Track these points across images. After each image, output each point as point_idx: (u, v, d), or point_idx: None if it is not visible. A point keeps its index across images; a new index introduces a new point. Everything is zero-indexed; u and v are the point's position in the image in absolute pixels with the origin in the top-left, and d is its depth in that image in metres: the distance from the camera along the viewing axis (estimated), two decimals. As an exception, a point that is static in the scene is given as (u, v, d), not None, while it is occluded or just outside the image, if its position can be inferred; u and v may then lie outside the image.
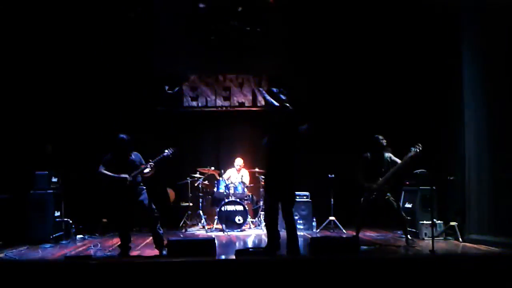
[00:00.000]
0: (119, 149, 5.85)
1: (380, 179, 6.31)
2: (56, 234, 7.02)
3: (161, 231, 5.90)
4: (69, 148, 8.33)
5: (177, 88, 9.42)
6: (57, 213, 7.19)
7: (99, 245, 6.50)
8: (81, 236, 7.46)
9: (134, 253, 6.03)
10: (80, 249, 6.50)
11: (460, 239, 6.72)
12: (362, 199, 6.45)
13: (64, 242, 7.05)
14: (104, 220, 7.82)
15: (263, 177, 8.21)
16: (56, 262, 5.35)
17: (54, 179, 7.32)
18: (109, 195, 5.85)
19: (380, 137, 6.48)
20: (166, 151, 6.12)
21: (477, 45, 6.87)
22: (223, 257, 5.76)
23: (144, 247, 6.50)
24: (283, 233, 5.55)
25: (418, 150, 6.21)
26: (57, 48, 8.35)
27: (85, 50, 8.58)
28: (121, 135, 5.84)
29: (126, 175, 5.77)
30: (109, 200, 5.93)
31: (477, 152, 6.78)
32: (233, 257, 5.52)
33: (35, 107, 8.15)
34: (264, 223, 5.61)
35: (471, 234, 6.65)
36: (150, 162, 5.91)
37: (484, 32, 6.69)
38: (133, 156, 5.91)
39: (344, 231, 7.70)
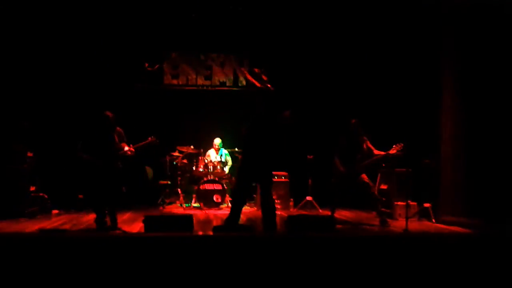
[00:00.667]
0: (104, 125, 5.81)
1: (356, 164, 6.41)
2: (32, 209, 6.94)
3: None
4: (46, 123, 8.20)
5: (157, 66, 9.31)
6: (33, 188, 7.09)
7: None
8: (57, 211, 7.39)
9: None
10: (56, 224, 6.45)
11: (434, 220, 6.88)
12: (335, 180, 6.55)
13: (39, 217, 6.98)
14: (80, 196, 7.75)
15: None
16: (30, 235, 5.29)
17: (30, 154, 7.20)
18: (88, 171, 5.81)
19: (357, 121, 6.55)
20: (150, 138, 6.14)
21: (456, 36, 6.96)
22: (200, 233, 5.78)
23: (121, 224, 6.46)
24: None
25: (400, 150, 6.27)
26: (33, 23, 8.12)
27: (62, 26, 8.36)
28: (106, 112, 5.82)
29: (128, 148, 5.89)
30: (87, 176, 5.89)
31: (453, 135, 6.92)
32: (211, 233, 5.54)
33: (12, 82, 7.97)
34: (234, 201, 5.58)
35: (445, 216, 6.82)
36: (131, 146, 5.97)
37: (463, 25, 6.81)
38: (116, 132, 5.93)
39: (320, 211, 7.80)
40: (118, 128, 5.94)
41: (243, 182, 5.47)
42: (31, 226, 6.14)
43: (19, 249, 4.32)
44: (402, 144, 6.25)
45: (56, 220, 6.75)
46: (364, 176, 6.48)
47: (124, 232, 5.73)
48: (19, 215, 6.69)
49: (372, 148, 6.51)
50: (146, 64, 9.23)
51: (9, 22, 7.82)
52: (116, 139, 5.89)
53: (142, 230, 5.34)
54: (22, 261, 4.16)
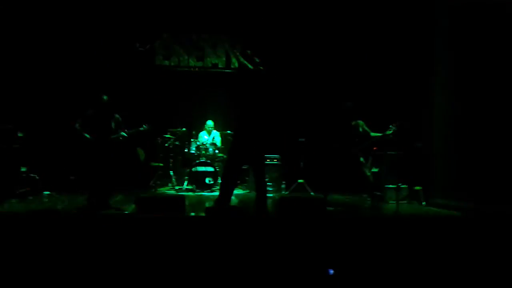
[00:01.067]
0: (103, 108, 5.96)
1: (353, 146, 6.44)
2: (22, 190, 6.90)
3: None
4: (37, 103, 8.12)
5: (148, 46, 9.20)
6: (23, 169, 7.05)
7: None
8: (48, 192, 7.36)
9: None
10: (47, 205, 6.42)
11: (424, 203, 6.95)
12: (329, 161, 6.57)
13: (30, 198, 6.95)
14: (72, 177, 7.71)
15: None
16: (22, 216, 5.27)
17: (20, 134, 7.13)
18: (83, 149, 5.88)
19: (350, 104, 6.54)
20: (144, 127, 6.22)
21: (450, 33, 6.98)
22: (192, 214, 5.80)
23: (114, 205, 6.46)
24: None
25: (395, 130, 6.28)
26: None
27: (53, 7, 8.21)
28: (106, 96, 5.99)
29: (123, 133, 6.01)
30: (82, 155, 5.94)
31: (444, 119, 6.97)
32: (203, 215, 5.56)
33: (2, 62, 7.87)
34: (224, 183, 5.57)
35: (435, 199, 6.90)
36: (125, 131, 6.07)
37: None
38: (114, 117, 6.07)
39: (312, 193, 7.83)
40: (116, 115, 6.08)
41: (234, 164, 5.46)
42: (22, 207, 6.11)
43: (9, 229, 4.32)
44: (398, 123, 6.25)
45: (48, 201, 6.72)
46: (359, 158, 6.51)
47: (117, 210, 5.76)
48: (10, 196, 6.66)
49: (369, 130, 6.52)
50: (137, 44, 9.10)
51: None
52: (113, 126, 6.00)
53: (135, 212, 5.37)
54: (13, 241, 4.17)
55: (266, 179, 7.81)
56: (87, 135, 5.86)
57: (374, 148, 7.62)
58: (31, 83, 8.21)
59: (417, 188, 7.11)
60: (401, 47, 8.02)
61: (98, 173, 5.93)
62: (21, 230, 4.22)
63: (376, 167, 7.65)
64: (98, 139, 5.89)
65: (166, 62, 9.36)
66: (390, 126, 6.28)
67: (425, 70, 7.38)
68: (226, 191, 5.43)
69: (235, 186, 5.58)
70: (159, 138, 8.43)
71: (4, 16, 7.86)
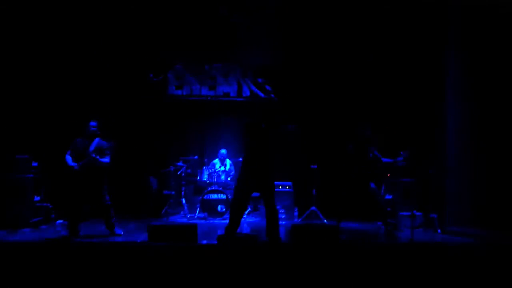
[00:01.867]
0: (87, 134, 6.13)
1: (364, 171, 6.42)
2: (36, 219, 6.94)
3: (113, 219, 6.18)
4: (51, 133, 8.23)
5: (161, 76, 9.35)
6: (37, 198, 7.11)
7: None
8: (61, 221, 7.39)
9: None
10: (60, 233, 6.44)
11: (439, 230, 6.83)
12: (342, 189, 6.54)
13: (44, 227, 6.98)
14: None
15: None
16: (36, 244, 5.30)
17: (35, 164, 7.22)
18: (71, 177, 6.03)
19: (364, 125, 6.56)
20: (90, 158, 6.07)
21: (462, 43, 6.99)
22: (204, 242, 5.77)
23: (126, 233, 6.47)
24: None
25: (406, 157, 6.29)
26: (38, 30, 8.21)
27: (66, 34, 8.43)
28: (92, 122, 6.16)
29: (74, 164, 5.99)
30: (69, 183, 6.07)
31: (457, 146, 6.91)
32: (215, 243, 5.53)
33: (16, 91, 8.04)
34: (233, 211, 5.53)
35: (450, 226, 6.78)
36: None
37: (468, 33, 6.84)
38: (95, 143, 6.10)
39: (325, 221, 7.75)
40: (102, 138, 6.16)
41: (243, 192, 5.44)
42: (35, 236, 6.14)
43: (24, 258, 4.34)
44: (408, 151, 6.26)
45: (60, 230, 6.75)
46: (371, 184, 6.47)
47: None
48: (23, 225, 6.69)
49: (379, 156, 6.51)
50: (151, 75, 9.26)
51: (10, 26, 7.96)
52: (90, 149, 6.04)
53: (147, 240, 5.36)
54: (27, 269, 4.18)
55: (278, 207, 7.86)
56: (70, 163, 5.97)
57: (388, 175, 7.59)
58: (46, 114, 8.35)
59: (432, 215, 6.99)
60: (412, 70, 8.04)
61: (78, 200, 6.00)
62: (34, 259, 4.24)
63: (389, 194, 7.58)
64: (81, 166, 5.96)
65: (179, 92, 9.49)
66: (401, 153, 6.27)
67: (437, 95, 7.37)
68: (234, 219, 5.41)
69: (243, 213, 5.55)
70: (171, 167, 8.47)
71: (23, 39, 8.06)
